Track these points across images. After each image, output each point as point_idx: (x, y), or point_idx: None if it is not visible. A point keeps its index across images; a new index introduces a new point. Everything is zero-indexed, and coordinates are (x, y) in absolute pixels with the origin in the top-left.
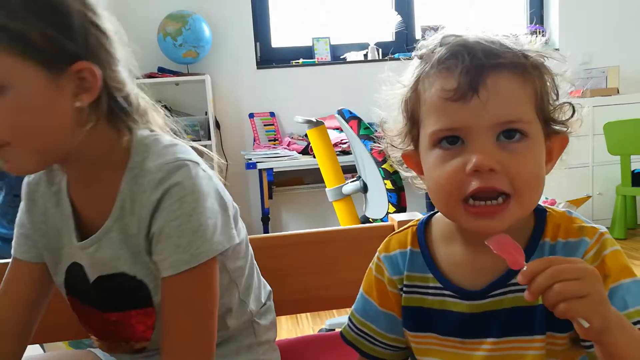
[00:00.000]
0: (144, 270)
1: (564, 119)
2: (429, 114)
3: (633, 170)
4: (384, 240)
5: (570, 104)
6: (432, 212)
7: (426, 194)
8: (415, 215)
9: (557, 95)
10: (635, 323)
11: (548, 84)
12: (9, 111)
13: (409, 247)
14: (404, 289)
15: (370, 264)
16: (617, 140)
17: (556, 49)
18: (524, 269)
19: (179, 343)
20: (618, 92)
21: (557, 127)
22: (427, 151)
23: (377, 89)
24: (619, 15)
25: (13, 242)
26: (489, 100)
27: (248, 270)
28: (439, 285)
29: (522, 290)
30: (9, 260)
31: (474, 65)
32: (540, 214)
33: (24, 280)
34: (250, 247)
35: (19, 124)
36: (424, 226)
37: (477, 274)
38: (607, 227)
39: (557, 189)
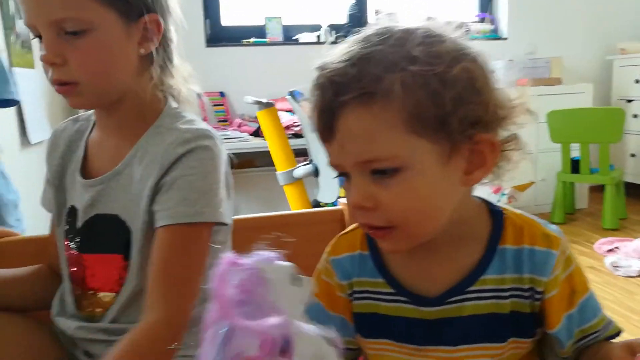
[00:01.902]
0: (133, 217)
1: (472, 121)
2: None
3: (572, 158)
4: (332, 241)
5: (464, 107)
6: None
7: None
8: None
9: (474, 93)
10: (599, 330)
11: (445, 88)
12: (86, 52)
13: (358, 251)
14: (355, 294)
15: (318, 265)
16: (559, 129)
17: (504, 38)
18: None
19: (166, 286)
20: (560, 82)
21: (473, 131)
22: None
23: None
24: (564, 6)
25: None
26: (344, 141)
27: None
28: (391, 290)
29: (482, 298)
30: None
31: (326, 107)
32: (497, 216)
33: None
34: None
35: (92, 64)
36: None
37: (430, 280)
38: (547, 212)
39: (504, 174)
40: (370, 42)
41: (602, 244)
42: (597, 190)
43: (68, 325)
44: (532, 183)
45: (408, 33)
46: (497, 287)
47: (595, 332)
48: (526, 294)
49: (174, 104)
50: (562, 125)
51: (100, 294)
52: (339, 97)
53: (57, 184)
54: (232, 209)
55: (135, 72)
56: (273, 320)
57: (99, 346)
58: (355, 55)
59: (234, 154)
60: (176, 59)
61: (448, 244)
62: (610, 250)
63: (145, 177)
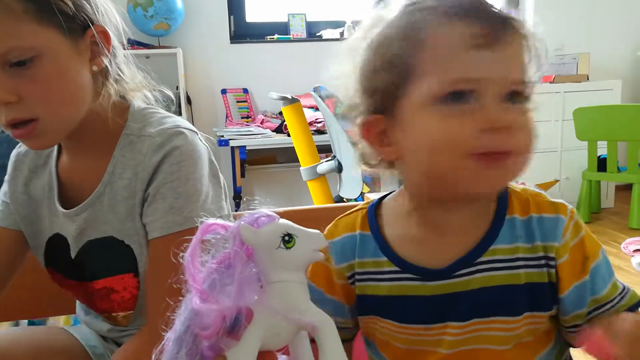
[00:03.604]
0: (131, 234)
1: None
2: (438, 64)
3: (599, 156)
4: (331, 224)
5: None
6: (383, 195)
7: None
8: None
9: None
10: (614, 298)
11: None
12: (40, 81)
13: (358, 231)
14: (357, 276)
15: None
16: (585, 126)
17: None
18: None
19: (161, 296)
20: (588, 79)
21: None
22: (423, 108)
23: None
24: (592, 1)
25: None
26: (510, 53)
27: None
28: (395, 268)
29: (494, 269)
30: None
31: (497, 15)
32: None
33: (1, 244)
34: None
35: (51, 93)
36: (374, 209)
37: (437, 254)
38: None
39: (527, 173)
40: None
41: (629, 243)
42: (624, 189)
43: (100, 327)
44: (556, 181)
45: None
46: (508, 257)
47: (609, 302)
48: (541, 262)
49: (136, 104)
50: (589, 122)
51: (114, 314)
52: (507, 15)
53: (25, 214)
54: (224, 195)
55: (93, 93)
56: (226, 299)
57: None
58: None
59: (256, 149)
60: (125, 69)
61: (455, 218)
62: (637, 250)
63: (132, 193)
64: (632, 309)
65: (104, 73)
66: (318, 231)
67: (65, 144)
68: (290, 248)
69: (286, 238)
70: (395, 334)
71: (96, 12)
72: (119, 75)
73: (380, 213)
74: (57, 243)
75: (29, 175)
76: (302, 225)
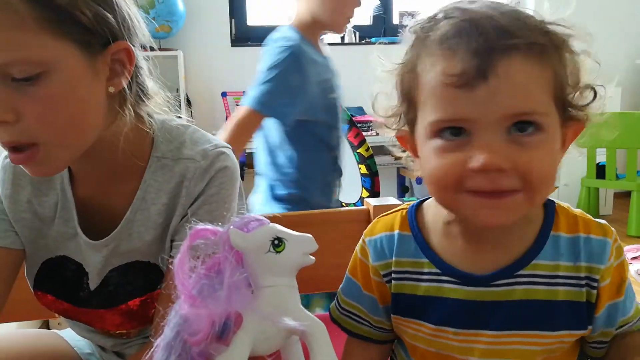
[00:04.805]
0: (155, 254)
1: (583, 103)
2: (428, 100)
3: (598, 163)
4: (372, 222)
5: (592, 87)
6: (422, 198)
7: (397, 179)
8: (388, 200)
9: (580, 77)
10: (636, 319)
11: (569, 64)
12: (46, 101)
13: (396, 231)
14: (393, 274)
15: (357, 247)
16: (584, 133)
17: None
18: None
19: None
20: None
21: (575, 113)
22: (426, 140)
23: (352, 72)
24: (591, 7)
25: None
26: (500, 88)
27: None
28: (435, 270)
29: (534, 283)
30: None
31: (483, 47)
32: (549, 204)
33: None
34: None
35: (54, 116)
36: (415, 211)
37: (478, 262)
38: None
39: None
40: (501, 4)
41: (628, 251)
42: (622, 196)
43: (103, 342)
44: (555, 188)
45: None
46: (550, 273)
47: (631, 322)
48: (582, 282)
49: (160, 119)
50: (588, 130)
51: (126, 330)
52: (505, 39)
53: (26, 232)
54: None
55: (107, 117)
56: (216, 305)
57: (133, 349)
58: (495, 7)
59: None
60: (150, 85)
61: (494, 232)
62: (635, 258)
63: (168, 217)
64: None
65: (122, 95)
66: (309, 235)
67: (78, 167)
68: (280, 252)
69: (276, 242)
70: (427, 336)
71: (122, 27)
72: (139, 97)
73: (420, 215)
74: (61, 268)
75: (33, 192)
76: (299, 230)
